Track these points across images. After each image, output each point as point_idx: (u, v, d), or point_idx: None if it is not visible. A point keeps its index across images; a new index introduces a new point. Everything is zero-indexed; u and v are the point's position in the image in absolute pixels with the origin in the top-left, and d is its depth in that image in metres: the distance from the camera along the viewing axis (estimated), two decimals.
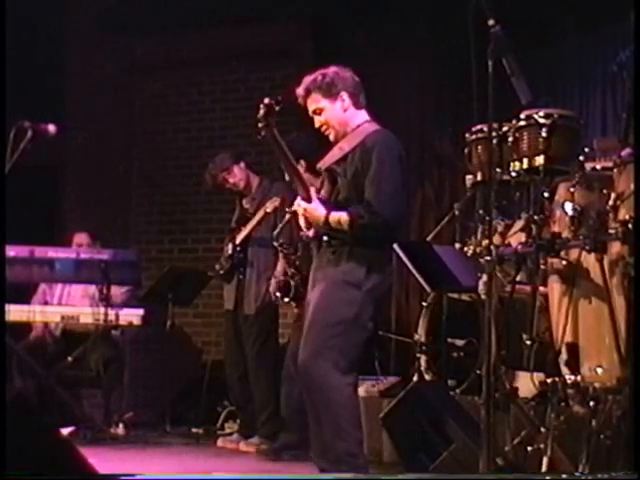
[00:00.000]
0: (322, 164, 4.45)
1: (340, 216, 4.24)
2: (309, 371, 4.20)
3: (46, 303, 7.25)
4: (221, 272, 6.50)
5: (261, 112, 4.32)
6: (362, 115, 4.46)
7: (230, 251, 6.44)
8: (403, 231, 5.69)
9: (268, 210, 6.19)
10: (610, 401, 4.04)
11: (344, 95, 4.39)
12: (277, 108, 4.31)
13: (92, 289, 7.02)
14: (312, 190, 4.32)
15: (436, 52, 7.69)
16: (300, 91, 4.44)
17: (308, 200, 4.31)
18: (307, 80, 4.44)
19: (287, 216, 5.72)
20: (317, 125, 4.46)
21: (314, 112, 4.44)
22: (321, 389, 4.18)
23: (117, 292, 7.08)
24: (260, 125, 4.33)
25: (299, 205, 4.33)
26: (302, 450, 5.62)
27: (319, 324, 4.24)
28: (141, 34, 8.57)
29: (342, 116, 4.41)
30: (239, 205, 6.62)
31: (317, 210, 4.28)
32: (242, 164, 6.54)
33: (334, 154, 4.42)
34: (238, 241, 6.40)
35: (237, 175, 6.52)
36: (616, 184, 4.03)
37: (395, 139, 4.39)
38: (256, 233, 6.35)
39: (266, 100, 4.34)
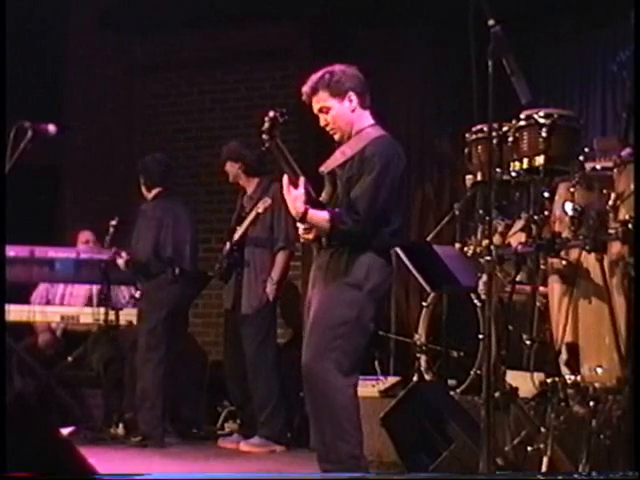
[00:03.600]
0: (324, 167, 4.42)
1: (320, 216, 4.20)
2: (312, 373, 4.20)
3: (48, 302, 7.25)
4: (219, 271, 6.50)
5: (266, 125, 4.29)
6: (367, 117, 4.40)
7: (227, 250, 6.44)
8: (403, 231, 5.69)
9: (259, 211, 6.23)
10: (610, 401, 4.04)
11: (352, 95, 4.34)
12: (281, 120, 4.29)
13: (95, 289, 7.04)
14: (302, 181, 4.25)
15: (436, 52, 7.69)
16: (306, 89, 4.37)
17: (295, 187, 4.21)
18: (314, 78, 4.37)
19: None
20: (322, 124, 4.40)
21: (320, 110, 4.37)
22: (324, 391, 4.17)
23: (125, 294, 7.17)
24: (265, 137, 4.30)
25: (288, 188, 4.22)
26: None
27: (321, 326, 4.23)
28: (141, 34, 8.57)
29: (349, 116, 4.35)
30: (240, 204, 6.62)
31: (297, 201, 4.19)
32: (237, 164, 6.51)
33: (336, 158, 4.39)
34: (234, 240, 6.40)
35: (229, 171, 6.55)
36: (616, 184, 4.03)
37: (396, 147, 4.34)
38: (252, 233, 6.35)
39: (271, 113, 4.30)
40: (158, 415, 6.42)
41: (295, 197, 4.20)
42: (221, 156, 6.64)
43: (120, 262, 6.61)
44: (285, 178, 4.25)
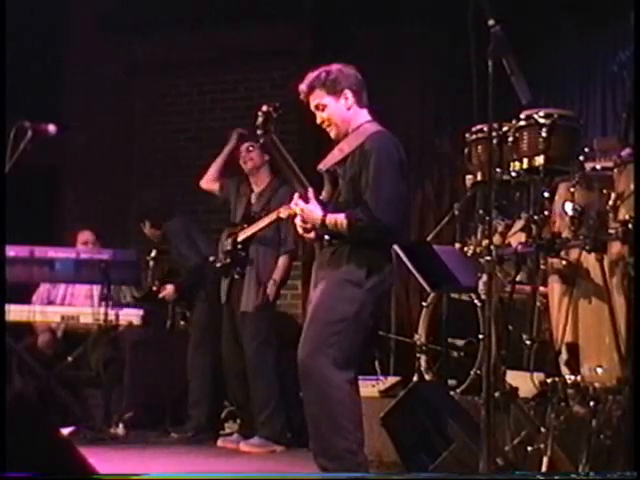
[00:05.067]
0: (323, 165, 4.45)
1: (337, 218, 4.25)
2: (308, 368, 4.21)
3: (50, 303, 7.25)
4: (219, 265, 6.47)
5: (260, 120, 4.35)
6: (364, 114, 4.45)
7: (229, 247, 6.40)
8: (403, 231, 5.69)
9: (282, 216, 6.05)
10: (610, 401, 4.04)
11: (348, 93, 4.38)
12: (275, 115, 4.33)
13: (96, 289, 7.04)
14: (310, 192, 4.32)
15: (436, 52, 7.69)
16: (303, 87, 4.42)
17: (306, 201, 4.31)
18: (311, 76, 4.42)
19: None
20: (319, 121, 4.45)
21: (316, 108, 4.43)
22: (320, 386, 4.18)
23: (126, 294, 7.22)
24: (259, 132, 4.35)
25: (297, 204, 4.34)
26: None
27: (319, 322, 4.24)
28: (141, 34, 8.57)
29: (345, 114, 4.40)
30: (247, 201, 6.55)
31: (314, 211, 4.29)
32: (267, 155, 6.35)
33: (335, 155, 4.42)
34: (241, 239, 6.36)
35: (253, 158, 6.46)
36: (616, 184, 4.03)
37: (395, 142, 4.37)
38: (260, 232, 6.32)
39: (264, 107, 4.36)
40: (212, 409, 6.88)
41: (310, 209, 4.30)
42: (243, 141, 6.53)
43: (168, 292, 6.95)
44: (296, 195, 4.33)
